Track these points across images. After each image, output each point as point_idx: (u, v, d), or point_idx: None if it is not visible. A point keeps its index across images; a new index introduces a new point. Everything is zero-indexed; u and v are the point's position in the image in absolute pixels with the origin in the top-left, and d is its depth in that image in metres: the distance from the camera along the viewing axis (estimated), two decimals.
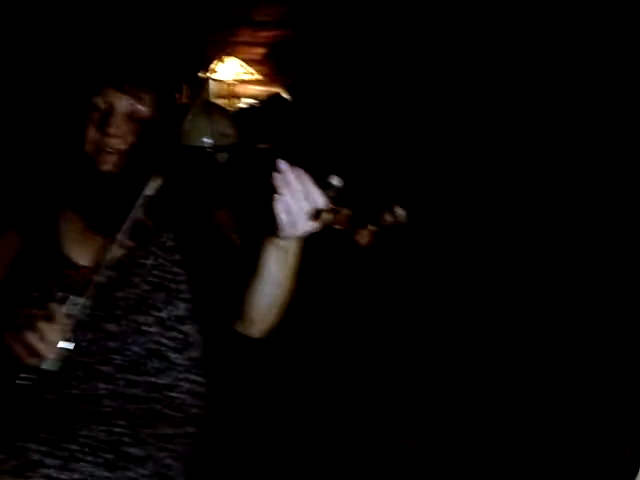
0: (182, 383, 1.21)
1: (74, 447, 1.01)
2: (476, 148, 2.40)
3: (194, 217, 1.18)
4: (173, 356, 1.20)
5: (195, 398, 1.24)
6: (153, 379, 1.18)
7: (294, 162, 0.94)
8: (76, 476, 0.99)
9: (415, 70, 2.64)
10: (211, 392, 1.28)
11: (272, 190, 0.93)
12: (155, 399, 1.18)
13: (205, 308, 1.23)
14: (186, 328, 1.22)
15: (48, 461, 0.97)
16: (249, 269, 1.06)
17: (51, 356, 0.99)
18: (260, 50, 3.35)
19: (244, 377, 1.35)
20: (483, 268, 2.27)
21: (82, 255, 1.21)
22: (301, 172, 0.94)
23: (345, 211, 0.92)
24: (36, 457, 0.96)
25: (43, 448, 0.98)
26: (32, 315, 1.01)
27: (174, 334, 1.20)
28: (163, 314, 1.18)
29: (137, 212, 1.09)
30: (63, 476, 0.97)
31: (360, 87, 2.73)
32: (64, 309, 1.05)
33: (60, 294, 1.14)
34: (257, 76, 3.39)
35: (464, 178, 2.36)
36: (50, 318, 1.00)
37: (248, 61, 3.39)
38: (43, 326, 0.99)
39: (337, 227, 0.93)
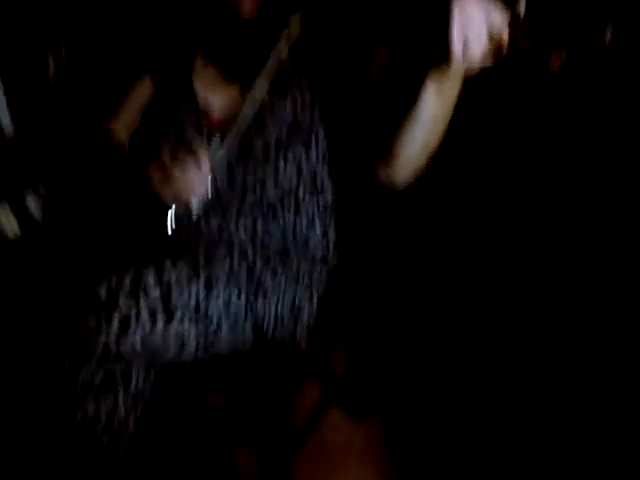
0: (314, 226, 1.22)
1: (218, 272, 1.02)
2: None
3: (335, 57, 1.11)
4: (307, 197, 1.19)
5: (327, 242, 1.24)
6: (287, 220, 1.18)
7: None
8: (221, 299, 1.00)
9: None
10: (341, 238, 1.27)
11: (445, 13, 0.81)
12: (288, 239, 1.19)
13: (343, 151, 1.18)
14: (320, 171, 1.20)
15: (194, 281, 0.98)
16: (403, 106, 0.98)
17: (199, 197, 1.00)
18: None
19: (373, 226, 1.31)
20: None
21: (218, 102, 1.19)
22: None
23: (533, 31, 0.79)
24: (182, 275, 0.97)
25: (187, 269, 0.99)
26: (178, 157, 1.00)
27: (309, 177, 1.19)
28: (300, 155, 1.17)
29: (276, 55, 1.05)
30: (207, 295, 0.99)
31: None
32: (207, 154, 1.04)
33: (199, 140, 1.13)
34: None
35: None
36: (197, 161, 1.00)
37: None
38: (192, 168, 0.99)
39: (521, 46, 0.80)
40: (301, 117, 1.18)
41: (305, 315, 1.18)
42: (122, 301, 0.90)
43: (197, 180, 1.00)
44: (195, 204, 1.06)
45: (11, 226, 1.60)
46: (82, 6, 1.68)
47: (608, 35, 0.76)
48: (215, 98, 1.20)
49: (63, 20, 1.67)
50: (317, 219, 1.22)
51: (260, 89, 1.12)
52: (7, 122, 1.63)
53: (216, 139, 1.07)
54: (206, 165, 1.00)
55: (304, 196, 1.19)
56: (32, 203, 1.64)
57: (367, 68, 1.13)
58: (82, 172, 1.56)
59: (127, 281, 0.92)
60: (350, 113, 1.15)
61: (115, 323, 0.89)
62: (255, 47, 1.12)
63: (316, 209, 1.21)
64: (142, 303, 0.91)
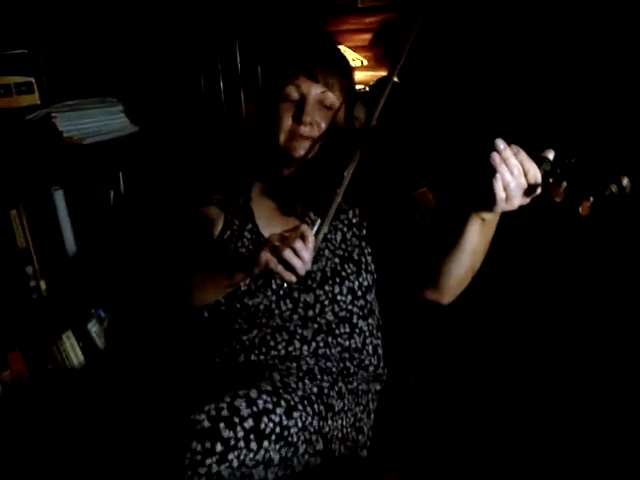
0: (367, 346, 1.33)
1: (295, 398, 1.13)
2: None
3: (382, 196, 1.25)
4: (360, 322, 1.32)
5: (377, 359, 1.36)
6: (344, 342, 1.30)
7: (508, 138, 0.96)
8: (299, 423, 1.11)
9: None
10: (391, 355, 1.39)
11: (488, 167, 0.95)
12: (347, 358, 1.30)
13: (389, 278, 1.33)
14: (370, 297, 1.34)
15: (278, 409, 1.09)
16: (450, 241, 1.13)
17: (304, 271, 1.05)
18: (366, 36, 3.42)
19: (421, 343, 1.45)
20: None
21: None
22: (518, 149, 0.95)
23: (563, 184, 0.93)
24: (268, 405, 1.08)
25: (271, 398, 1.10)
26: (287, 238, 1.07)
27: (361, 302, 1.32)
28: (353, 284, 1.30)
29: (335, 195, 1.14)
30: (289, 423, 1.09)
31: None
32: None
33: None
34: (364, 62, 3.47)
35: None
36: (305, 236, 1.06)
37: (354, 48, 3.48)
38: (300, 243, 1.05)
39: (556, 199, 0.94)
40: (351, 249, 1.33)
41: (365, 429, 1.30)
42: (223, 430, 1.01)
43: (305, 253, 1.05)
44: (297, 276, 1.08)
45: (76, 354, 1.69)
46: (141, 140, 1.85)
47: (628, 186, 0.89)
48: (276, 229, 1.30)
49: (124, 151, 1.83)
50: (368, 339, 1.33)
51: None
52: (71, 244, 1.72)
53: (317, 220, 1.13)
54: (312, 240, 1.07)
55: (357, 321, 1.32)
56: (94, 329, 1.75)
57: (414, 210, 1.29)
58: (148, 297, 1.67)
59: (225, 412, 1.03)
60: (398, 248, 1.30)
61: (218, 449, 0.99)
62: (309, 185, 1.25)
63: (367, 330, 1.33)
64: (239, 432, 1.02)
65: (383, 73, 3.33)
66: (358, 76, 3.52)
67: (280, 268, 1.05)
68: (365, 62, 3.47)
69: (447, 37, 2.83)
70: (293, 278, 1.06)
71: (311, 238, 1.06)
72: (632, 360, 2.12)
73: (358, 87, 3.45)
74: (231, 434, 1.01)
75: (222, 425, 1.01)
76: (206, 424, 1.01)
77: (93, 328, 1.72)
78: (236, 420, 1.02)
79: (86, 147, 1.67)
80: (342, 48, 3.41)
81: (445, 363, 2.15)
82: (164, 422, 1.16)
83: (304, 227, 1.07)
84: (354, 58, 3.42)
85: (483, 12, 2.80)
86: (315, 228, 1.10)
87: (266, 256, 1.07)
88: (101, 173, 1.75)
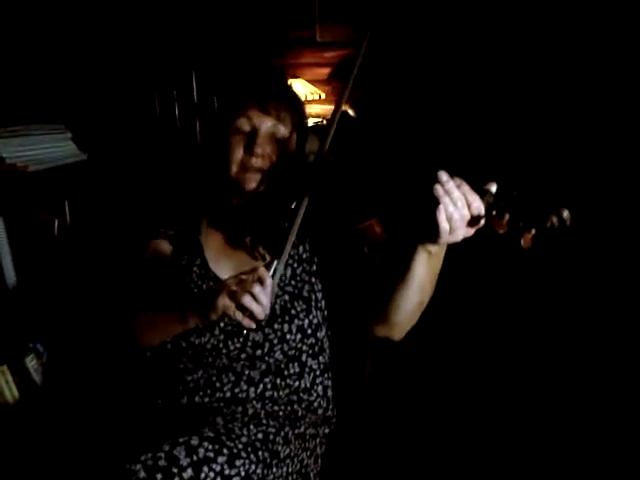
0: (316, 386, 1.30)
1: (238, 445, 1.08)
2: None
3: (330, 230, 1.22)
4: (310, 360, 1.28)
5: (327, 400, 1.32)
6: (292, 382, 1.26)
7: (452, 170, 0.96)
8: (242, 472, 1.06)
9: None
10: (340, 395, 1.36)
11: (432, 199, 0.95)
12: (295, 401, 1.26)
13: (339, 315, 1.30)
14: (320, 334, 1.30)
15: (219, 458, 1.04)
16: (397, 275, 1.11)
17: (264, 315, 1.01)
18: (324, 71, 3.45)
19: (369, 381, 1.42)
20: None
21: (225, 269, 1.29)
22: (462, 181, 0.96)
23: (506, 216, 0.93)
24: (210, 454, 1.03)
25: (212, 446, 1.05)
26: (244, 280, 1.02)
27: (311, 340, 1.29)
28: (302, 322, 1.27)
29: (289, 232, 1.10)
30: (231, 472, 1.04)
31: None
32: None
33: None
34: (322, 96, 3.49)
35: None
36: (262, 279, 1.01)
37: (313, 81, 3.50)
38: (258, 287, 1.00)
39: (499, 231, 0.94)
40: (301, 285, 1.29)
41: (311, 475, 1.25)
42: None
43: (264, 297, 1.01)
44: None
45: (10, 390, 1.60)
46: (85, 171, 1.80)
47: (568, 218, 0.91)
48: (223, 265, 1.30)
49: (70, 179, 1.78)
50: (318, 378, 1.30)
51: (263, 257, 1.22)
52: (11, 274, 1.66)
53: (274, 262, 1.08)
54: (270, 283, 1.02)
55: (307, 359, 1.28)
56: (31, 364, 1.66)
57: (362, 243, 1.27)
58: (89, 333, 1.60)
59: (162, 462, 0.98)
60: (348, 283, 1.27)
61: None
62: (259, 218, 1.22)
63: (317, 369, 1.30)
64: None
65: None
66: (315, 109, 3.55)
67: (239, 315, 1.01)
68: (323, 96, 3.49)
69: (392, 71, 2.88)
70: (253, 325, 1.02)
71: (269, 281, 1.02)
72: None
73: (315, 120, 3.47)
74: None
75: (159, 476, 0.96)
76: (142, 475, 0.95)
77: (30, 363, 1.64)
78: (174, 470, 0.97)
79: (30, 174, 1.61)
80: (300, 81, 3.43)
81: (397, 403, 2.12)
82: (99, 469, 1.09)
83: (261, 270, 1.03)
84: (312, 92, 3.44)
85: (423, 43, 2.86)
86: (272, 269, 1.06)
87: (224, 302, 1.02)
88: (45, 201, 1.69)
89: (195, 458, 1.00)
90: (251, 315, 1.01)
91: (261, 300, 1.00)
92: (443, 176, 0.96)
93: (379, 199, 1.10)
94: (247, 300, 1.00)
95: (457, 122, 2.73)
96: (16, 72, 1.85)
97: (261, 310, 1.00)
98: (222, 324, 1.23)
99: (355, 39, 3.34)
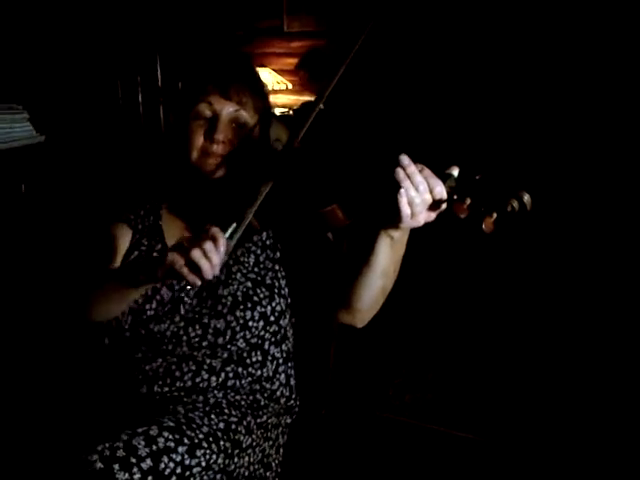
0: (279, 375, 1.28)
1: (199, 435, 1.06)
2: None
3: (294, 215, 1.20)
4: (272, 348, 1.26)
5: (290, 389, 1.30)
6: (255, 371, 1.24)
7: (414, 156, 0.95)
8: (203, 462, 1.04)
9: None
10: (303, 384, 1.35)
11: (393, 183, 0.94)
12: (257, 390, 1.24)
13: (303, 302, 1.29)
14: (284, 322, 1.28)
15: (180, 448, 1.01)
16: (360, 260, 1.10)
17: (212, 275, 0.97)
18: (292, 60, 3.43)
19: (333, 369, 1.41)
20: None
21: None
22: (423, 166, 0.95)
23: (467, 200, 0.92)
24: (170, 444, 1.01)
25: (173, 436, 1.03)
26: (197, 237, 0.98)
27: (274, 328, 1.26)
28: (265, 309, 1.24)
29: (245, 214, 1.08)
30: (192, 462, 1.02)
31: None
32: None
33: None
34: (289, 86, 3.46)
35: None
36: (216, 239, 0.97)
37: (280, 71, 3.47)
38: (208, 245, 0.96)
39: (460, 216, 0.93)
40: (264, 273, 1.27)
41: (273, 465, 1.24)
42: (117, 472, 0.93)
43: (215, 255, 0.96)
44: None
45: None
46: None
47: (528, 202, 0.90)
48: None
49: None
50: (281, 367, 1.28)
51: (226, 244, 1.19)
52: None
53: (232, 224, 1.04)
54: (223, 243, 0.98)
55: (269, 347, 1.26)
56: None
57: (325, 229, 1.25)
58: (44, 317, 1.55)
59: (120, 452, 0.95)
60: (311, 269, 1.25)
61: None
62: (219, 203, 1.18)
63: (280, 357, 1.28)
64: (136, 474, 0.94)
65: (307, 97, 3.33)
66: (282, 99, 3.53)
67: (185, 270, 0.96)
68: (290, 86, 3.47)
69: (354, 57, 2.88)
70: (197, 281, 0.97)
71: (222, 241, 0.97)
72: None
73: (282, 110, 3.45)
74: (126, 476, 0.93)
75: (117, 467, 0.93)
76: (98, 465, 0.92)
77: None
78: (133, 460, 0.94)
79: None
80: (267, 70, 3.40)
81: (360, 392, 2.12)
82: (55, 459, 1.06)
83: (215, 229, 0.98)
84: (279, 81, 3.41)
85: (385, 26, 2.86)
86: (229, 231, 1.02)
87: (172, 256, 0.97)
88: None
89: (155, 448, 0.97)
90: (198, 272, 0.96)
91: (211, 257, 0.95)
92: (404, 160, 0.95)
93: (341, 183, 1.08)
94: (197, 255, 0.95)
95: (419, 107, 2.74)
96: None
97: (209, 267, 0.95)
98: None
99: (322, 30, 3.34)
